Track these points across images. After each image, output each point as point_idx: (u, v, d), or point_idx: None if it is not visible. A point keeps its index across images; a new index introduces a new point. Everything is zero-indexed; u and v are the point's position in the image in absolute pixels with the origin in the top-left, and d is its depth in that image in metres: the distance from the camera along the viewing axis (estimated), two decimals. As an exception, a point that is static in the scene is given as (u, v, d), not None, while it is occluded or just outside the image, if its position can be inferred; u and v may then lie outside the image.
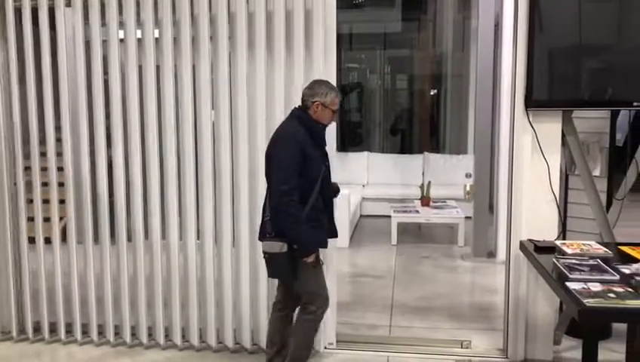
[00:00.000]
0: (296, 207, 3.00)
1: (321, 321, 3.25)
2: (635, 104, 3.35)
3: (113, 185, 3.89)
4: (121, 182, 3.89)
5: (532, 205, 3.56)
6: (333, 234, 3.35)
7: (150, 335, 3.99)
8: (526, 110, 3.48)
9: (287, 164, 3.01)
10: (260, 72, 3.67)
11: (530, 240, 3.31)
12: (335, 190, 3.38)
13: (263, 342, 3.77)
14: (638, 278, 2.55)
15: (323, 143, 3.21)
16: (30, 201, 4.01)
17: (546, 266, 2.82)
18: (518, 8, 3.45)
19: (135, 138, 3.83)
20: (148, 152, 3.85)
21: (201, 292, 3.89)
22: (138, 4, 3.73)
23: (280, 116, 3.57)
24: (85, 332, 4.05)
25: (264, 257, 3.17)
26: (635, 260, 2.78)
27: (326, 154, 3.26)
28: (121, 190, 3.89)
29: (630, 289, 2.40)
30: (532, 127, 3.49)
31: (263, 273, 3.74)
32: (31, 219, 4.03)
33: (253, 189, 3.72)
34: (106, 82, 3.82)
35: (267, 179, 3.17)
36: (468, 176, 7.54)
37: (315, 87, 3.14)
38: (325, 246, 3.24)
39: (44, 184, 3.98)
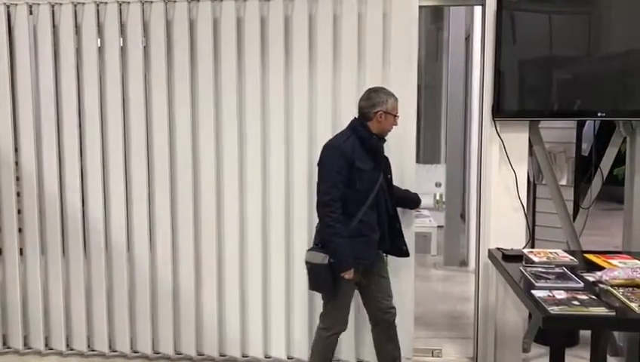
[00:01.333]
0: (336, 219, 2.95)
1: (336, 341, 3.21)
2: (599, 114, 3.42)
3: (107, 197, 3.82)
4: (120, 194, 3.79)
5: (500, 214, 3.60)
6: (398, 252, 3.27)
7: (110, 347, 3.90)
8: (494, 120, 3.53)
9: (329, 175, 2.98)
10: (325, 83, 3.55)
11: (498, 248, 3.34)
12: (414, 201, 3.39)
13: (253, 350, 3.77)
14: (601, 286, 2.59)
15: (377, 155, 3.10)
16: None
17: (513, 275, 2.85)
18: (485, 20, 3.51)
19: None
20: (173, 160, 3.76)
21: (175, 300, 3.82)
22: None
23: None
24: (26, 344, 3.95)
25: (306, 267, 3.11)
26: (599, 268, 2.82)
27: (385, 166, 3.18)
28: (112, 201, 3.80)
29: (594, 297, 2.44)
30: (500, 137, 3.54)
31: (252, 281, 3.74)
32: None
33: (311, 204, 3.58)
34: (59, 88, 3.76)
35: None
36: (438, 185, 7.63)
37: (373, 96, 3.07)
38: (369, 263, 3.12)
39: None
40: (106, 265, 3.83)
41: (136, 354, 3.88)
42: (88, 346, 3.91)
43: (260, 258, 3.72)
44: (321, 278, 3.02)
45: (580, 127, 4.09)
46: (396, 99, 3.10)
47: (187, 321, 3.80)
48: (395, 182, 3.31)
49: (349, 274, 3.00)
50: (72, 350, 3.92)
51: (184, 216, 3.75)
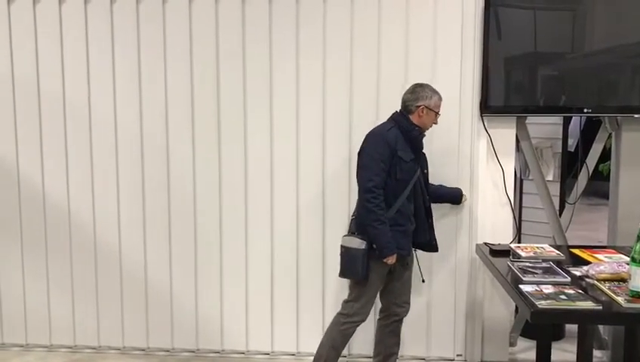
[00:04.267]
0: (379, 206, 2.95)
1: (352, 333, 3.15)
2: (586, 110, 3.45)
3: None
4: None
5: (488, 209, 3.62)
6: (428, 246, 3.26)
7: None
8: (481, 116, 3.55)
9: (373, 163, 2.99)
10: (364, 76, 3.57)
11: (485, 243, 3.36)
12: (454, 196, 3.46)
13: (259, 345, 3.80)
14: (588, 280, 2.62)
15: (417, 147, 3.12)
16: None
17: (501, 269, 2.87)
18: (474, 16, 3.51)
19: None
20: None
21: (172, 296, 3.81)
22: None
23: None
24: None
25: (340, 253, 3.09)
26: (585, 262, 2.85)
27: (423, 160, 3.19)
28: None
29: (580, 291, 2.46)
30: (487, 132, 3.55)
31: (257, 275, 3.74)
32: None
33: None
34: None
35: (357, 177, 3.12)
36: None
37: (418, 90, 3.10)
38: (405, 254, 3.12)
39: None
40: (95, 257, 3.82)
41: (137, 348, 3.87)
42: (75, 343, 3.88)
43: (267, 251, 3.72)
44: (355, 263, 3.00)
45: (567, 122, 4.12)
46: (440, 98, 3.12)
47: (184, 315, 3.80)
48: None
49: (391, 259, 3.00)
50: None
51: (183, 208, 3.73)
